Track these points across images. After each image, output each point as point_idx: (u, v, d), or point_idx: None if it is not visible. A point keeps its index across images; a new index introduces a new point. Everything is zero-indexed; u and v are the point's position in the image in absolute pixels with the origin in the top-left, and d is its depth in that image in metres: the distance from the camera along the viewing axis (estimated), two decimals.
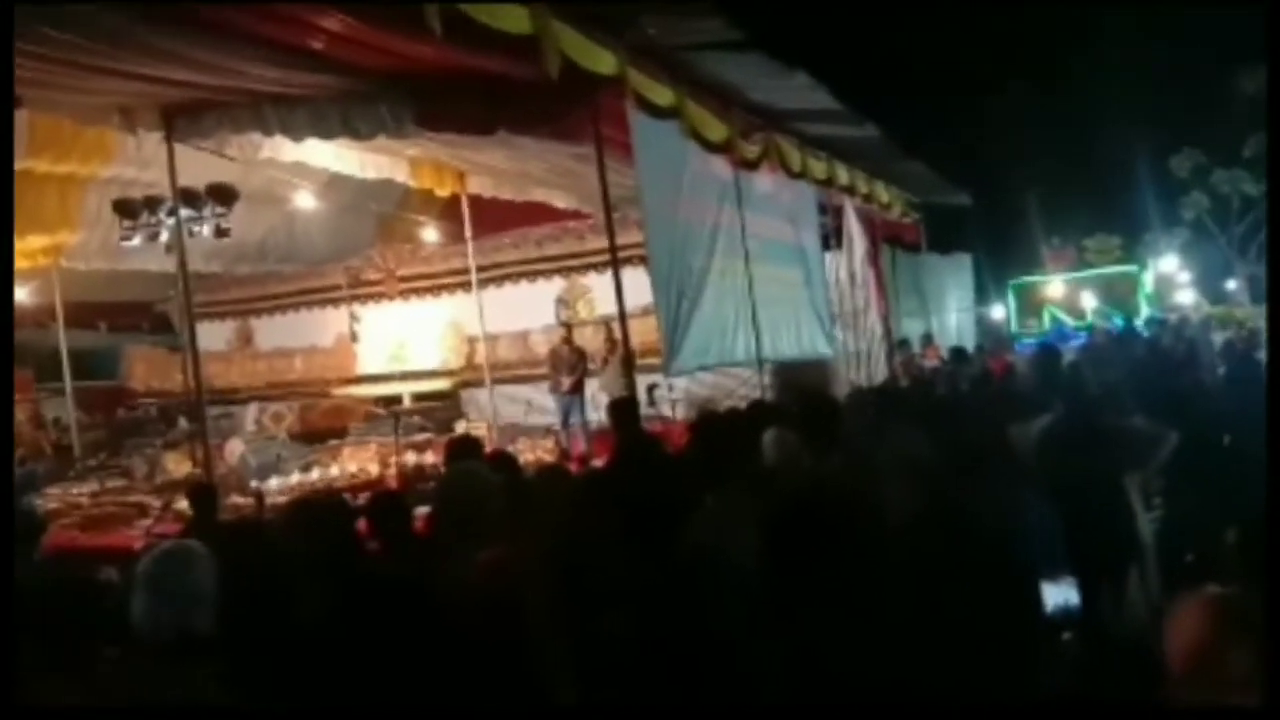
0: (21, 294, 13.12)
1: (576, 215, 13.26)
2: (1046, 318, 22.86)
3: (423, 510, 3.59)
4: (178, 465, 11.02)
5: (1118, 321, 17.66)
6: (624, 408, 6.43)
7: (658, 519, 2.84)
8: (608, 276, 8.73)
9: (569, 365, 11.44)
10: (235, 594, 2.96)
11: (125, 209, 9.78)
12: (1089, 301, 22.76)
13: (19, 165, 10.02)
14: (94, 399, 15.82)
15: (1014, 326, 23.05)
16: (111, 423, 15.39)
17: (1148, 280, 24.43)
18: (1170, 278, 25.97)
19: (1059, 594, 2.10)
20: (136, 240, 9.80)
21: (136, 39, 5.80)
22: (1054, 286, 23.86)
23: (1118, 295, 22.80)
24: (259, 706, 2.16)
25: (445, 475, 4.04)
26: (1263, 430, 3.86)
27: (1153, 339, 10.85)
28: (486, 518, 2.99)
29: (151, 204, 9.59)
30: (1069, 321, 21.91)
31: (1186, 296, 24.34)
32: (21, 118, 8.77)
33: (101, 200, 10.85)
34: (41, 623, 2.41)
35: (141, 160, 10.20)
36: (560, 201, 12.28)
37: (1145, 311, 21.15)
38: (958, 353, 11.95)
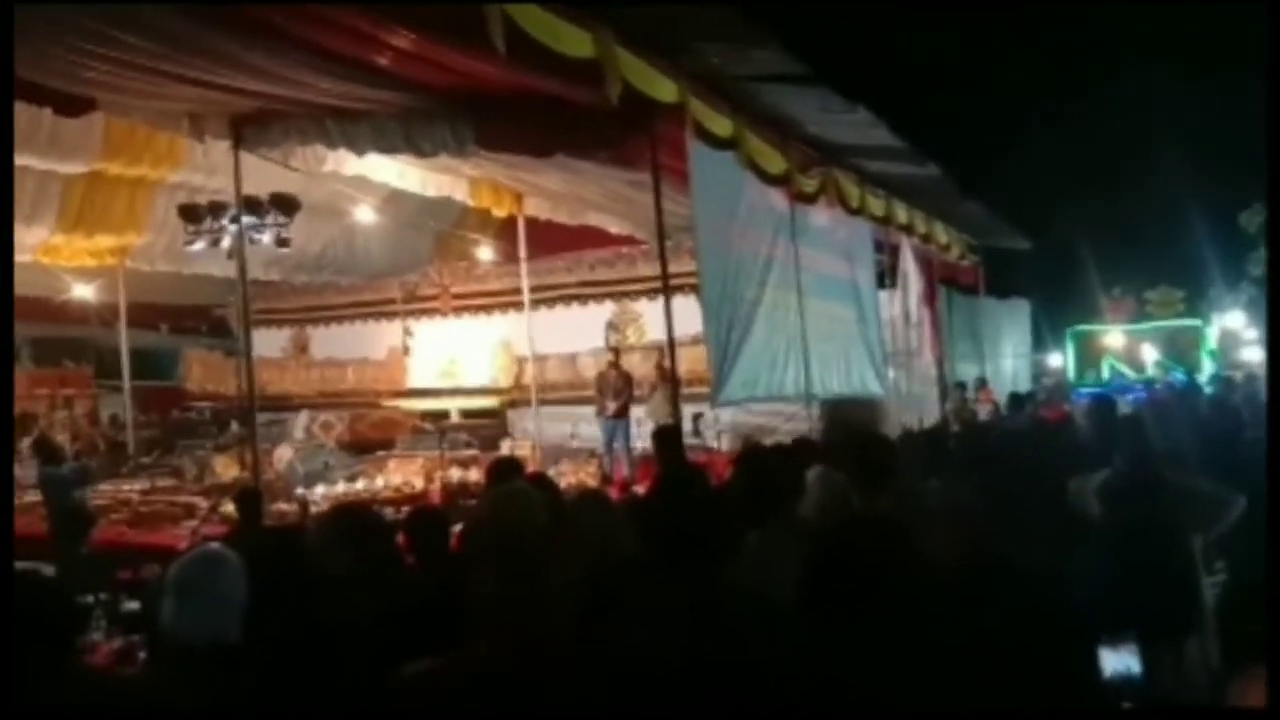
0: (87, 292, 13.46)
1: (630, 241, 13.28)
2: (1106, 368, 22.39)
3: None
4: (227, 468, 11.18)
5: (1179, 375, 17.19)
6: (668, 436, 6.36)
7: (697, 552, 2.77)
8: (658, 303, 8.71)
9: (615, 390, 11.42)
10: (271, 601, 2.94)
11: (190, 214, 10.02)
12: (1150, 354, 22.26)
13: (92, 166, 10.33)
14: (150, 398, 16.15)
15: (1072, 375, 22.59)
16: (166, 423, 15.70)
17: (1211, 335, 23.83)
18: (1236, 334, 25.24)
19: (1119, 660, 1.98)
20: (200, 245, 10.02)
21: (206, 46, 5.92)
22: (1114, 337, 23.40)
23: (1180, 349, 22.28)
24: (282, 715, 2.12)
25: (488, 495, 4.01)
26: None
27: (1218, 396, 10.50)
28: (526, 540, 2.95)
29: (216, 210, 9.81)
30: (1129, 373, 21.44)
31: (1253, 354, 23.63)
32: (96, 121, 9.03)
33: (169, 204, 11.12)
34: (72, 618, 2.40)
35: (209, 167, 10.45)
36: (614, 227, 12.31)
37: (1208, 367, 20.59)
38: (1015, 399, 11.69)
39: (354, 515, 3.29)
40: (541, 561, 2.31)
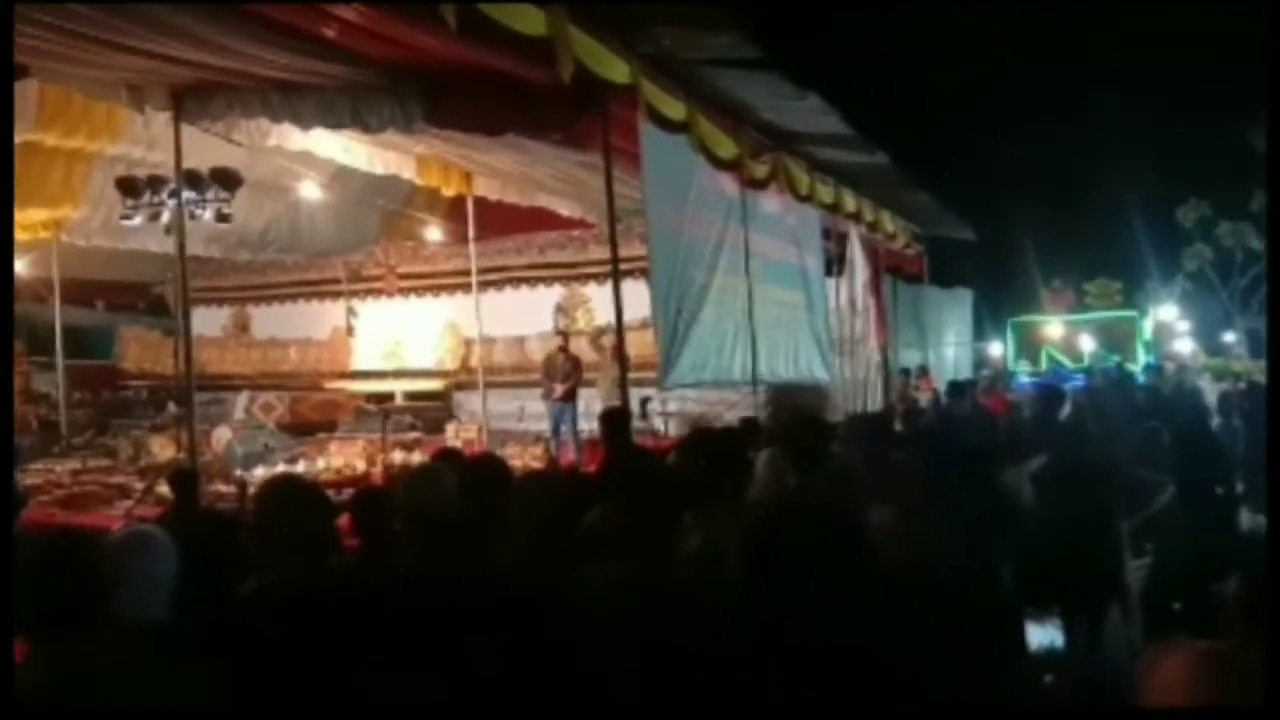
0: (20, 266, 13.05)
1: (580, 224, 13.25)
2: (1044, 358, 22.89)
3: None
4: (163, 449, 10.95)
5: (1113, 365, 17.65)
6: (615, 418, 6.36)
7: (640, 532, 2.78)
8: (607, 287, 8.70)
9: (563, 373, 11.39)
10: (204, 581, 2.90)
11: (128, 187, 9.75)
12: (1087, 344, 22.81)
13: (26, 136, 10.00)
14: (85, 377, 15.75)
15: (1011, 364, 23.06)
16: (100, 402, 15.33)
17: (1146, 327, 24.48)
18: (1169, 326, 25.98)
19: (1044, 633, 2.05)
20: (137, 220, 9.76)
21: (148, 14, 5.77)
22: (1053, 327, 23.93)
23: (1116, 340, 22.86)
24: (213, 698, 2.08)
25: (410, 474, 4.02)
26: (1258, 482, 3.81)
27: (1152, 386, 10.81)
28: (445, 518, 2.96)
29: (155, 184, 9.56)
30: (1066, 363, 21.94)
31: (1185, 346, 24.34)
32: (30, 88, 8.76)
33: (106, 178, 10.82)
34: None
35: (149, 140, 10.19)
36: (565, 209, 12.26)
37: (1142, 358, 21.16)
38: (955, 386, 11.90)
39: (294, 484, 3.25)
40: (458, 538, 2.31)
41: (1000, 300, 25.04)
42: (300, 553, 2.67)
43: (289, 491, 3.01)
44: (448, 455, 4.95)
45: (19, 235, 11.77)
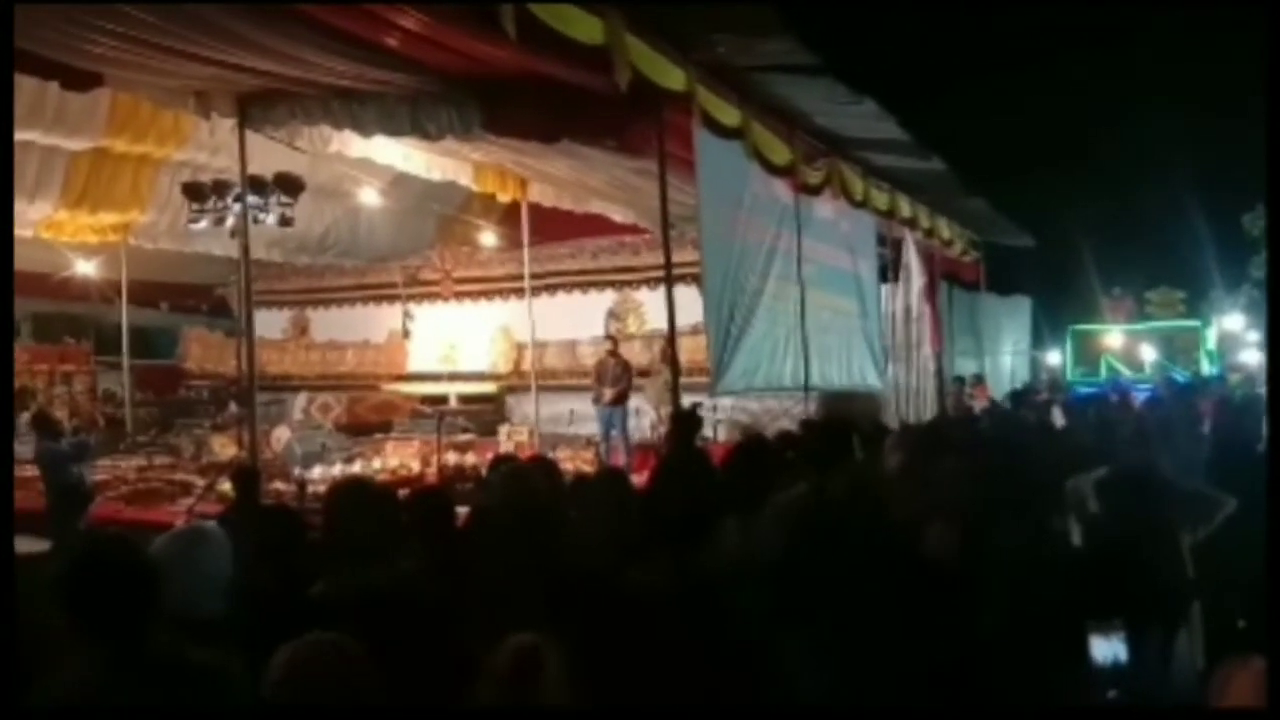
0: (88, 268, 13.47)
1: (634, 230, 13.28)
2: (1104, 367, 22.42)
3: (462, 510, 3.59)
4: (224, 447, 11.20)
5: (1177, 376, 17.21)
6: (686, 420, 6.33)
7: (691, 534, 2.81)
8: (659, 292, 8.72)
9: (613, 378, 11.43)
10: (266, 576, 2.96)
11: (194, 192, 10.01)
12: (1148, 354, 22.29)
13: (97, 142, 10.32)
14: (149, 376, 16.17)
15: (1070, 373, 22.62)
16: (164, 401, 15.72)
17: (1210, 336, 23.86)
18: (1236, 336, 25.27)
19: (1108, 647, 2.02)
20: (203, 224, 10.02)
21: (216, 24, 5.92)
22: (1113, 336, 23.44)
23: (1178, 349, 22.33)
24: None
25: (493, 476, 4.05)
26: None
27: (1223, 397, 10.50)
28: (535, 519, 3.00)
29: (220, 189, 9.80)
30: (1126, 372, 21.47)
31: (1251, 356, 23.67)
32: (102, 97, 9.02)
33: (172, 182, 11.12)
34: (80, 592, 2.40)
35: (213, 146, 10.45)
36: (618, 215, 12.31)
37: (1207, 368, 20.62)
38: (1015, 395, 11.71)
39: (365, 487, 3.31)
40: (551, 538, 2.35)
41: (1059, 308, 24.55)
42: (373, 555, 2.72)
43: (361, 494, 3.07)
44: (505, 461, 5.00)
45: (89, 238, 12.15)
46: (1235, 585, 3.93)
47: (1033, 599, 2.20)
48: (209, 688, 2.03)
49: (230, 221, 9.66)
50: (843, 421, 5.33)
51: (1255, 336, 25.60)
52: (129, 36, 6.17)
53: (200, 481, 9.53)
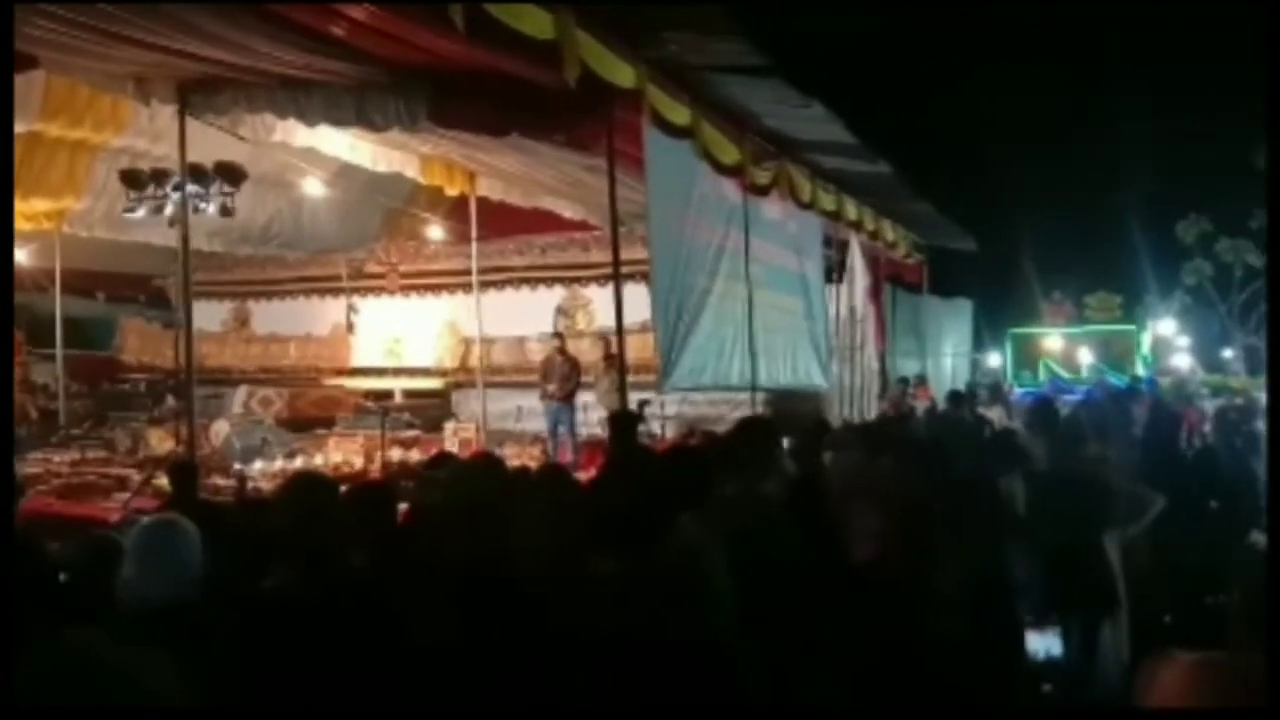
0: (22, 256, 13.07)
1: (583, 226, 13.26)
2: (1042, 370, 22.92)
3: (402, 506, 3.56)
4: (161, 441, 10.97)
5: (1113, 380, 17.64)
6: (622, 421, 6.37)
7: (636, 532, 2.81)
8: (608, 290, 8.72)
9: (561, 375, 11.41)
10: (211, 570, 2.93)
11: (132, 180, 9.78)
12: (1086, 357, 22.84)
13: (30, 127, 10.02)
14: (84, 368, 15.75)
15: (1009, 376, 23.08)
16: (99, 393, 15.31)
17: (1145, 341, 24.52)
18: (1168, 341, 26.00)
19: (1043, 641, 2.07)
20: (140, 212, 9.79)
21: (158, 9, 5.79)
22: (1052, 339, 23.98)
23: (1114, 353, 22.92)
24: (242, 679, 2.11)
25: (429, 473, 4.02)
26: (1251, 497, 3.83)
27: (1156, 400, 10.80)
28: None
29: (159, 177, 9.59)
30: (1064, 375, 21.97)
31: (1183, 361, 24.36)
32: (37, 79, 8.76)
33: (109, 169, 10.85)
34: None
35: (153, 133, 10.22)
36: (568, 211, 12.28)
37: (1141, 372, 21.18)
38: (955, 396, 11.90)
39: (316, 482, 3.27)
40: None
41: (1000, 311, 25.05)
42: (323, 549, 2.71)
43: (312, 489, 3.05)
44: (444, 459, 4.97)
45: (21, 225, 11.79)
46: (1162, 581, 4.05)
47: (965, 596, 2.25)
48: (124, 690, 1.99)
49: (169, 210, 9.45)
50: (771, 422, 5.41)
51: (1185, 341, 26.38)
52: (68, 19, 6.01)
53: (136, 476, 9.31)
